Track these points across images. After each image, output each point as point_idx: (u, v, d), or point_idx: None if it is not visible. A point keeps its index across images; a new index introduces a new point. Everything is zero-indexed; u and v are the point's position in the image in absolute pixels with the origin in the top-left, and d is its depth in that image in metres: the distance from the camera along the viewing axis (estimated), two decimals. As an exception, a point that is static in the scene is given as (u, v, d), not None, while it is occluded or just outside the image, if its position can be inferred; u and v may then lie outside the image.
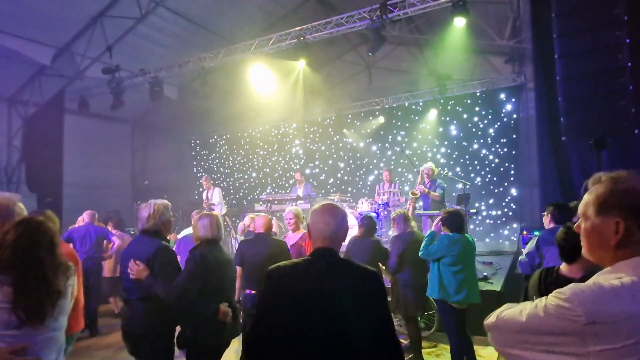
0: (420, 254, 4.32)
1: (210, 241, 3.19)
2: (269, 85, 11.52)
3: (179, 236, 6.42)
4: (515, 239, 10.52)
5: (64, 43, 10.07)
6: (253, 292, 4.10)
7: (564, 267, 2.26)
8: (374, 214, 7.94)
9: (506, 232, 11.07)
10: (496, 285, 5.73)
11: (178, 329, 3.12)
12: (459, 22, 7.44)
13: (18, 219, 2.10)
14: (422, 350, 5.00)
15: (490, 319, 1.30)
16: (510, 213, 11.00)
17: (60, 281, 1.96)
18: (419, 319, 5.36)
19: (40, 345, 1.88)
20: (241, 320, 4.23)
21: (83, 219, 6.83)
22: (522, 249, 4.08)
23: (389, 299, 5.08)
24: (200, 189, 10.60)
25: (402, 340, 5.34)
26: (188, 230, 5.94)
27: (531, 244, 3.69)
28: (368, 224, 4.92)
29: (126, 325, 2.98)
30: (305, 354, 1.72)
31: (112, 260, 7.25)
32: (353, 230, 7.95)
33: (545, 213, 3.93)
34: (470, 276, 4.21)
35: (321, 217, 1.96)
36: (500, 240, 10.89)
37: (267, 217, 4.40)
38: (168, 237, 3.34)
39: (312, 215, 2.01)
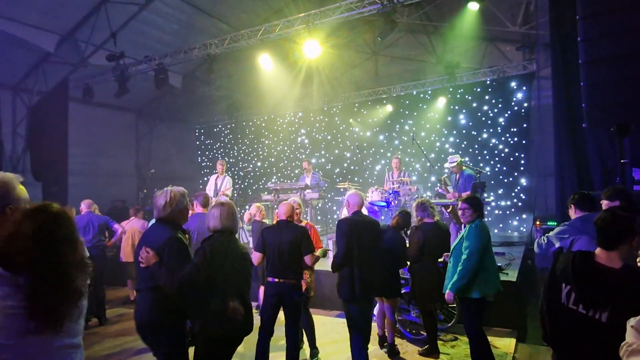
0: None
1: (222, 232, 3.05)
2: (274, 73, 11.35)
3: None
4: (525, 230, 10.41)
5: (67, 30, 9.91)
6: (276, 280, 4.02)
7: (601, 254, 2.07)
8: (383, 203, 7.84)
9: (515, 222, 10.94)
10: (511, 276, 5.61)
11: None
12: (473, 7, 7.26)
13: (31, 205, 1.75)
14: (442, 341, 4.93)
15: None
16: (520, 203, 10.86)
17: (81, 280, 1.70)
18: (438, 311, 5.27)
19: (60, 351, 1.63)
20: (260, 311, 4.17)
21: (82, 209, 6.79)
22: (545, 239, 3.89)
23: (408, 290, 5.01)
24: (206, 178, 10.35)
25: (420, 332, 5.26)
26: None
27: (558, 233, 3.54)
28: (404, 218, 5.00)
29: (137, 315, 2.91)
30: (362, 250, 3.90)
31: (129, 245, 7.39)
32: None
33: (569, 204, 3.78)
34: (495, 263, 4.08)
35: (357, 196, 4.16)
36: (510, 231, 10.77)
37: (290, 204, 4.31)
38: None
39: (350, 195, 4.18)
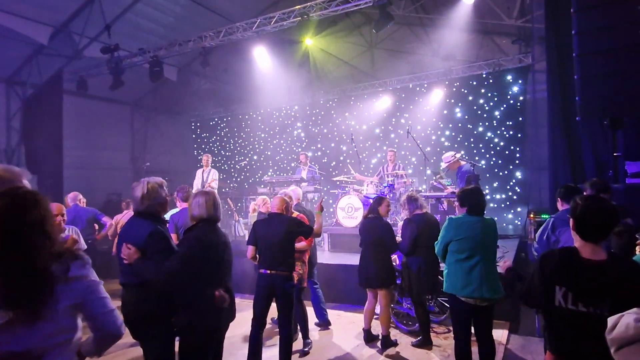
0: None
1: (206, 221, 3.01)
2: (270, 66, 11.30)
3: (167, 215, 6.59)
4: (519, 223, 10.46)
5: (61, 22, 9.83)
6: (267, 271, 4.04)
7: (583, 247, 2.00)
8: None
9: (510, 215, 10.99)
10: (504, 268, 5.66)
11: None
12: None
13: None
14: (436, 333, 4.96)
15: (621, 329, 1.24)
16: (515, 197, 10.91)
17: (59, 268, 1.55)
18: (432, 303, 5.31)
19: (47, 339, 1.48)
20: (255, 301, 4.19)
21: (68, 203, 6.68)
22: (536, 234, 3.91)
23: (400, 281, 5.03)
24: (197, 166, 10.21)
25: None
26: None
27: (546, 226, 3.57)
28: (377, 202, 4.95)
29: (123, 309, 2.85)
30: None
31: None
32: (359, 213, 7.91)
33: (556, 198, 3.82)
34: (483, 265, 3.49)
35: (297, 191, 5.44)
36: (505, 224, 10.81)
37: (282, 197, 4.33)
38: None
39: (292, 191, 5.19)
